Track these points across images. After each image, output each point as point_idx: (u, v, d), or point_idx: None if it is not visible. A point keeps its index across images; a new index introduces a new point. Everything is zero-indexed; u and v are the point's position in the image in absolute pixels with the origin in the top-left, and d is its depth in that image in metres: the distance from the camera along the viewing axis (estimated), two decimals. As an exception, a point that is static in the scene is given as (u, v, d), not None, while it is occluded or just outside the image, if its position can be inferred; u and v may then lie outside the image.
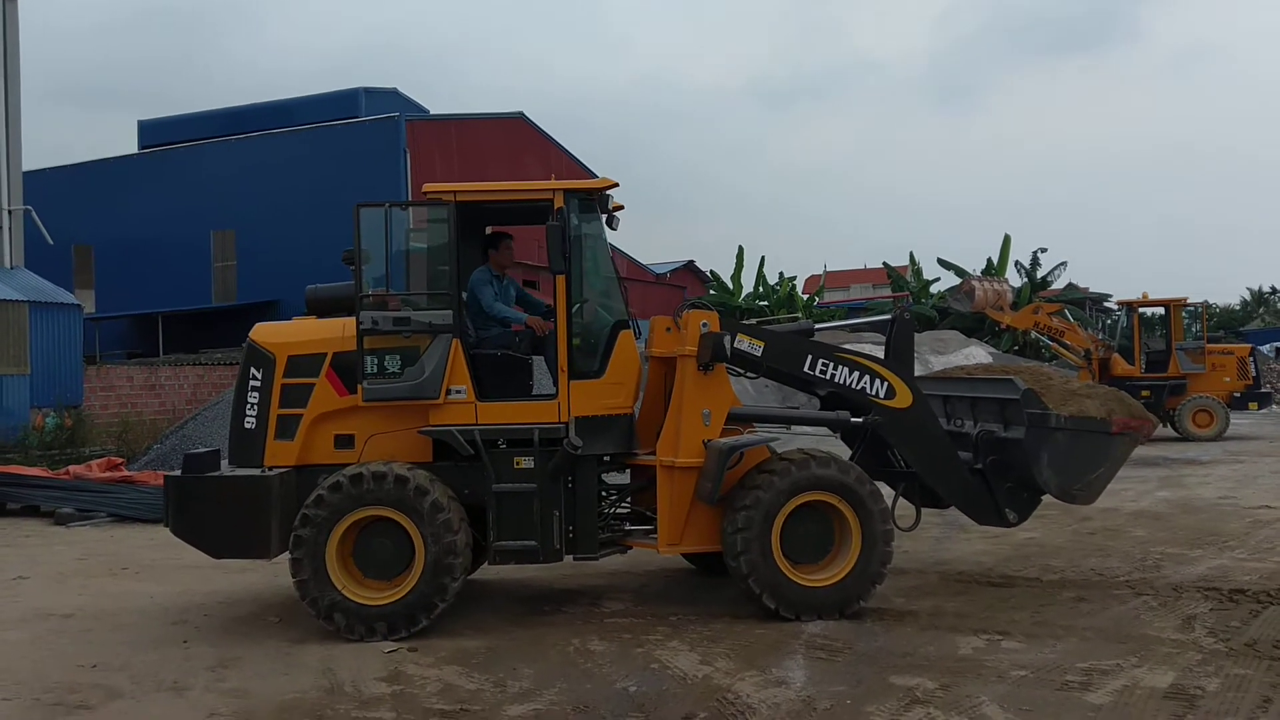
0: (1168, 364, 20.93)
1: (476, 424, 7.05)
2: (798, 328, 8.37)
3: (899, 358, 7.75)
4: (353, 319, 7.10)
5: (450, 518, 6.80)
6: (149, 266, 28.93)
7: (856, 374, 7.48)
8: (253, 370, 7.18)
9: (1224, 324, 58.02)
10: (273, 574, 9.03)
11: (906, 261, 44.93)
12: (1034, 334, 25.80)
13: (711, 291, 44.81)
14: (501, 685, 5.90)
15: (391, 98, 31.59)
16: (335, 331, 7.24)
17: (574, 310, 7.15)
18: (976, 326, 35.32)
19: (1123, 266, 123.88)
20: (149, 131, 32.82)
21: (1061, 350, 22.19)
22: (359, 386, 7.01)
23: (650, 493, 7.41)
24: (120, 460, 15.33)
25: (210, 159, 29.44)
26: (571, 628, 7.02)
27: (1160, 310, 22.80)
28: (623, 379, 7.24)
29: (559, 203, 7.13)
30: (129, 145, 33.53)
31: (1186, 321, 22.50)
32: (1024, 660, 6.13)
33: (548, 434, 7.06)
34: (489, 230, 8.11)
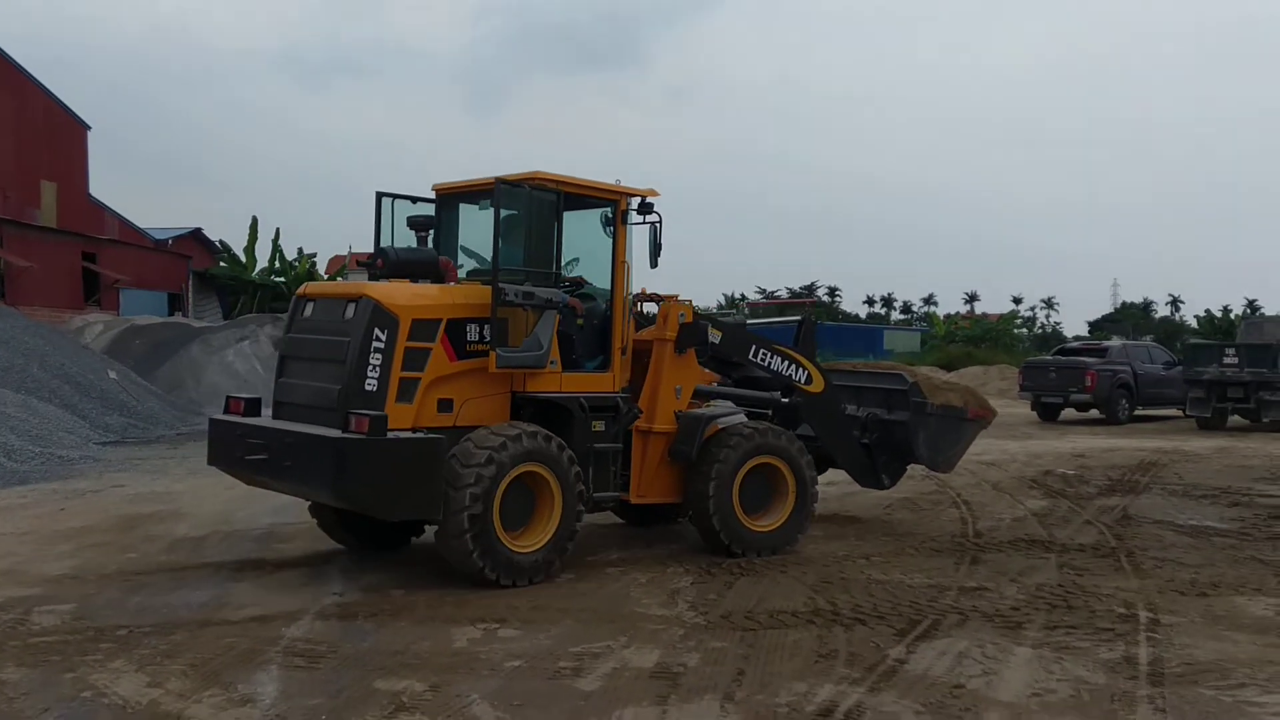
0: None
1: (561, 391, 7.76)
2: (735, 322, 9.97)
3: (805, 351, 9.21)
4: (462, 286, 7.74)
5: (578, 469, 7.48)
6: None
7: (787, 363, 9.01)
8: (377, 331, 7.01)
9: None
10: None
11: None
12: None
13: (222, 264, 40.89)
14: None
15: None
16: (447, 298, 7.46)
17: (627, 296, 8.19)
18: None
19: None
20: None
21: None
22: (492, 353, 7.32)
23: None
24: None
25: None
26: (-19, 653, 5.60)
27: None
28: (628, 358, 8.33)
29: (624, 205, 8.13)
30: None
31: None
32: (519, 649, 5.89)
33: (614, 401, 8.05)
34: None
